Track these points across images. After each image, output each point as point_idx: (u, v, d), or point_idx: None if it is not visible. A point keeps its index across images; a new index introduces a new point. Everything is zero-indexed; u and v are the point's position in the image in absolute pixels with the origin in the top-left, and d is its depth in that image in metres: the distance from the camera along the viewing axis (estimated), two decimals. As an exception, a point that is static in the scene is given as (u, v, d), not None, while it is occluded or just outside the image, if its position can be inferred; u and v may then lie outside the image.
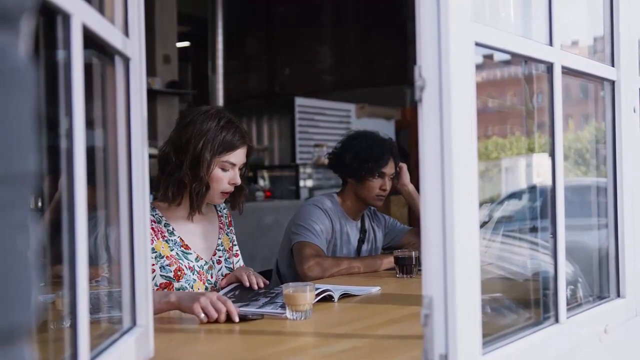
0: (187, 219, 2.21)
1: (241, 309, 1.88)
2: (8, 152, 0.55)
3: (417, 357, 1.18)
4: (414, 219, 3.22)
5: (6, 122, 0.55)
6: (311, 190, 6.99)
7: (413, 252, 2.58)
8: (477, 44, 1.19)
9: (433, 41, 1.11)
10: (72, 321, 0.94)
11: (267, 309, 1.88)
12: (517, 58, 1.54)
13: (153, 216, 2.15)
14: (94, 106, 1.30)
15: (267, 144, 7.99)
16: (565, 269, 1.47)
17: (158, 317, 1.75)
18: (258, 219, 5.71)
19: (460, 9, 1.12)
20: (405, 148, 6.73)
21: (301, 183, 7.00)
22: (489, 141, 1.83)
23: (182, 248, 2.17)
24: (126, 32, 1.28)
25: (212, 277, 2.23)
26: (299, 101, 7.59)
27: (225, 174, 2.16)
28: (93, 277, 1.19)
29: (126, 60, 1.28)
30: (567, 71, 1.52)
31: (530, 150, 1.86)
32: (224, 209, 2.38)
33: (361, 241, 2.97)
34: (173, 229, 2.18)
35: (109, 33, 1.15)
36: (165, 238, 2.15)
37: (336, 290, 2.09)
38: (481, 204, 1.22)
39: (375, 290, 2.25)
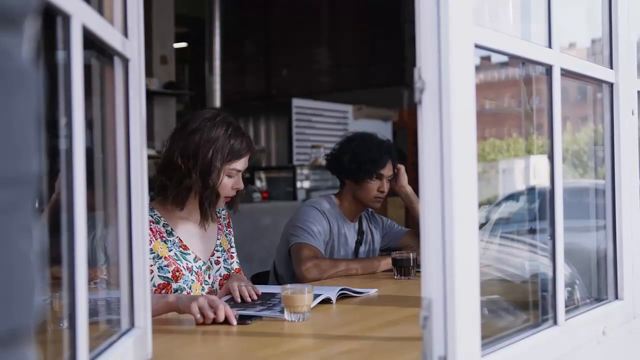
0: (194, 226, 2.23)
1: (239, 311, 1.88)
2: (12, 154, 0.55)
3: (416, 359, 1.17)
4: (411, 220, 3.22)
5: (10, 124, 0.54)
6: (308, 191, 6.98)
7: (411, 254, 2.58)
8: (477, 46, 1.19)
9: (433, 43, 1.11)
10: (71, 323, 0.93)
11: (266, 313, 1.88)
12: (514, 60, 1.54)
13: (152, 216, 2.15)
14: (92, 107, 1.30)
15: (264, 145, 7.98)
16: (563, 271, 1.47)
17: (156, 318, 1.75)
18: (255, 220, 5.70)
19: (460, 10, 1.12)
20: (403, 150, 6.74)
21: (298, 184, 7.00)
22: (486, 143, 1.83)
23: (181, 248, 2.17)
24: (125, 33, 1.27)
25: (209, 278, 2.23)
26: (296, 102, 7.59)
27: (230, 180, 2.19)
28: (91, 279, 1.19)
29: (125, 61, 1.27)
30: (566, 73, 1.52)
31: (528, 152, 1.86)
32: (223, 210, 2.38)
33: (359, 243, 2.96)
34: (172, 229, 2.18)
35: (109, 34, 1.14)
36: (164, 238, 2.15)
37: (334, 290, 2.08)
38: (478, 206, 1.22)
39: (373, 292, 2.25)
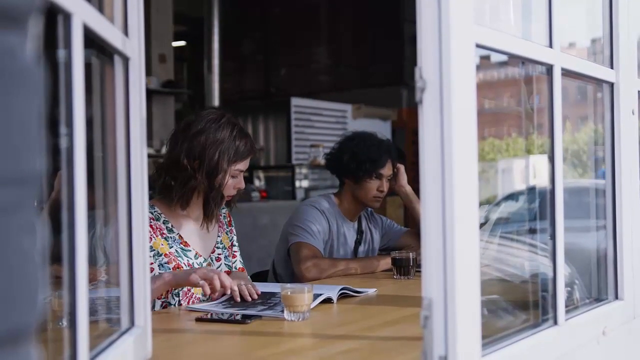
0: (195, 224, 2.25)
1: (240, 311, 1.88)
2: (15, 153, 0.54)
3: (416, 359, 1.17)
4: (410, 220, 3.22)
5: (13, 123, 0.54)
6: (307, 190, 6.98)
7: (410, 254, 2.58)
8: (478, 46, 1.19)
9: (434, 42, 1.11)
10: (71, 321, 0.93)
11: (266, 313, 1.88)
12: (513, 59, 1.54)
13: (152, 213, 2.16)
14: (92, 105, 1.30)
15: (263, 144, 7.98)
16: (563, 271, 1.47)
17: (156, 317, 1.75)
18: (254, 220, 5.70)
19: (461, 10, 1.12)
20: (401, 149, 6.74)
21: (297, 183, 6.99)
22: (485, 142, 1.82)
23: (182, 245, 2.19)
24: (126, 32, 1.27)
25: None
26: (295, 101, 7.58)
27: (234, 180, 2.22)
28: (90, 280, 1.19)
29: (125, 60, 1.27)
30: (567, 73, 1.52)
31: (527, 151, 1.86)
32: (223, 209, 2.39)
33: (358, 242, 2.96)
34: (172, 226, 2.19)
35: (109, 32, 1.14)
36: (164, 235, 2.16)
37: (334, 290, 2.08)
38: (478, 206, 1.21)
39: (372, 291, 2.25)
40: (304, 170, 7.08)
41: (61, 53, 0.92)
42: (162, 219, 2.18)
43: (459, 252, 1.09)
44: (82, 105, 0.94)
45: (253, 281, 2.32)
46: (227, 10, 8.15)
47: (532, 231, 1.80)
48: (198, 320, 1.81)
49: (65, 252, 0.92)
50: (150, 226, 2.12)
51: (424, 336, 1.12)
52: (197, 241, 2.24)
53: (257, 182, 7.13)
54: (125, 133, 1.28)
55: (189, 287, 2.13)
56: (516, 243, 1.96)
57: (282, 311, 1.81)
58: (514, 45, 1.37)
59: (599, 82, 1.76)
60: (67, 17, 0.91)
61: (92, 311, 1.06)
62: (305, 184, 7.05)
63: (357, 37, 9.10)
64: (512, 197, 2.57)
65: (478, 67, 1.20)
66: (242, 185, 2.25)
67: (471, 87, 1.15)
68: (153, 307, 2.02)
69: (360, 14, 8.99)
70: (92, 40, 1.06)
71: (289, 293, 1.79)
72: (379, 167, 2.83)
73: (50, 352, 1.11)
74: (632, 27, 1.79)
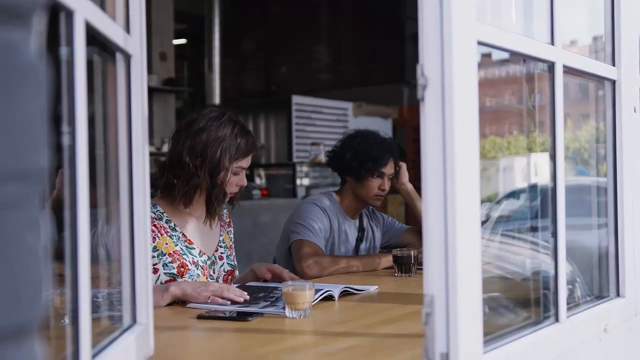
0: (198, 222, 2.26)
1: (242, 308, 1.88)
2: (20, 148, 0.55)
3: (417, 356, 1.18)
4: (411, 218, 3.22)
5: (18, 119, 0.54)
6: (308, 188, 6.98)
7: (412, 251, 2.58)
8: (480, 43, 1.19)
9: (436, 40, 1.11)
10: (74, 319, 0.93)
11: (268, 310, 1.88)
12: (515, 57, 1.54)
13: (154, 213, 2.16)
14: (94, 103, 1.29)
15: (264, 142, 7.98)
16: (565, 269, 1.47)
17: (158, 314, 1.75)
18: (255, 218, 5.70)
19: (462, 7, 1.12)
20: (402, 147, 6.73)
21: (298, 181, 6.99)
22: (487, 140, 1.82)
23: (186, 243, 2.19)
24: (127, 29, 1.27)
25: (214, 273, 2.26)
26: (296, 99, 7.58)
27: (235, 178, 2.23)
28: (93, 277, 1.19)
29: (127, 57, 1.27)
30: (568, 70, 1.52)
31: (529, 149, 1.86)
32: (224, 208, 2.40)
33: (359, 240, 2.96)
34: (175, 224, 2.20)
35: (111, 30, 1.14)
36: (169, 234, 2.17)
37: (336, 288, 2.09)
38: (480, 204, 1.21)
39: (373, 289, 2.25)
40: (305, 168, 7.08)
41: (63, 50, 0.92)
42: (165, 218, 2.19)
43: (460, 249, 1.09)
44: (85, 103, 0.94)
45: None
46: (227, 8, 8.15)
47: (534, 229, 1.80)
48: (200, 317, 1.81)
49: (67, 250, 0.92)
50: (154, 225, 2.13)
51: (426, 333, 1.12)
52: (200, 239, 2.25)
53: (258, 180, 7.14)
54: (127, 130, 1.28)
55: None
56: (517, 241, 1.96)
57: (284, 308, 1.81)
58: (516, 43, 1.37)
59: (600, 79, 1.76)
60: (70, 14, 0.91)
61: (94, 308, 1.06)
62: (306, 182, 7.06)
63: (357, 34, 9.10)
64: (514, 194, 2.57)
65: (480, 65, 1.20)
66: (244, 182, 2.25)
67: (473, 84, 1.15)
68: None
69: (361, 11, 8.99)
70: (94, 38, 1.06)
71: (290, 290, 1.79)
72: (381, 166, 2.83)
73: (53, 349, 1.11)
74: (634, 25, 1.79)
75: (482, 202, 1.42)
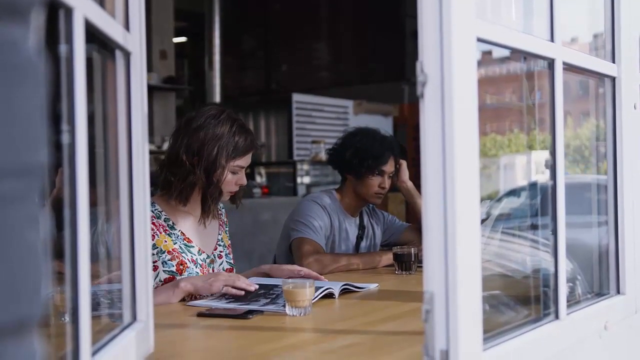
0: (196, 221, 2.25)
1: (243, 306, 1.88)
2: (19, 145, 0.55)
3: (417, 353, 1.18)
4: (412, 215, 3.22)
5: (18, 115, 0.54)
6: (308, 186, 6.99)
7: (412, 249, 2.58)
8: (479, 40, 1.18)
9: (435, 36, 1.10)
10: (74, 316, 0.93)
11: (268, 307, 1.88)
12: (515, 54, 1.54)
13: (152, 212, 2.16)
14: (94, 101, 1.29)
15: (264, 141, 7.98)
16: (565, 266, 1.47)
17: (158, 312, 1.75)
18: (255, 216, 5.70)
19: (462, 4, 1.12)
20: (403, 145, 6.73)
21: (298, 179, 7.00)
22: (487, 138, 1.82)
23: (185, 241, 2.19)
24: (127, 27, 1.27)
25: (213, 271, 2.25)
26: (296, 97, 7.58)
27: (234, 177, 2.21)
28: (93, 275, 1.19)
29: (127, 55, 1.27)
30: (568, 67, 1.51)
31: (529, 147, 1.86)
32: (222, 207, 2.40)
33: (360, 238, 2.96)
34: (173, 223, 2.20)
35: (110, 27, 1.14)
36: (167, 232, 2.17)
37: (336, 285, 2.09)
38: (480, 201, 1.21)
39: (373, 287, 2.25)
40: (305, 167, 7.09)
41: (62, 48, 0.92)
42: (163, 217, 2.19)
43: (460, 246, 1.09)
44: (84, 100, 0.94)
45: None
46: (228, 6, 8.14)
47: (534, 227, 1.80)
48: (200, 315, 1.82)
49: (67, 248, 0.92)
50: (152, 224, 2.13)
51: (426, 330, 1.12)
52: (199, 238, 2.25)
53: (258, 179, 7.14)
54: (126, 128, 1.28)
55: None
56: (517, 238, 1.96)
57: (284, 305, 1.81)
58: (516, 39, 1.36)
59: (600, 76, 1.76)
60: (69, 11, 0.91)
61: (94, 305, 1.06)
62: (306, 180, 7.06)
63: (358, 32, 9.10)
64: (514, 192, 2.57)
65: (480, 63, 1.20)
66: (244, 181, 2.24)
67: (473, 81, 1.14)
68: None
69: (361, 9, 8.98)
70: (94, 35, 1.06)
71: (290, 288, 1.79)
72: (382, 164, 2.83)
73: (53, 346, 1.11)
74: (634, 21, 1.79)
75: (483, 199, 1.42)
